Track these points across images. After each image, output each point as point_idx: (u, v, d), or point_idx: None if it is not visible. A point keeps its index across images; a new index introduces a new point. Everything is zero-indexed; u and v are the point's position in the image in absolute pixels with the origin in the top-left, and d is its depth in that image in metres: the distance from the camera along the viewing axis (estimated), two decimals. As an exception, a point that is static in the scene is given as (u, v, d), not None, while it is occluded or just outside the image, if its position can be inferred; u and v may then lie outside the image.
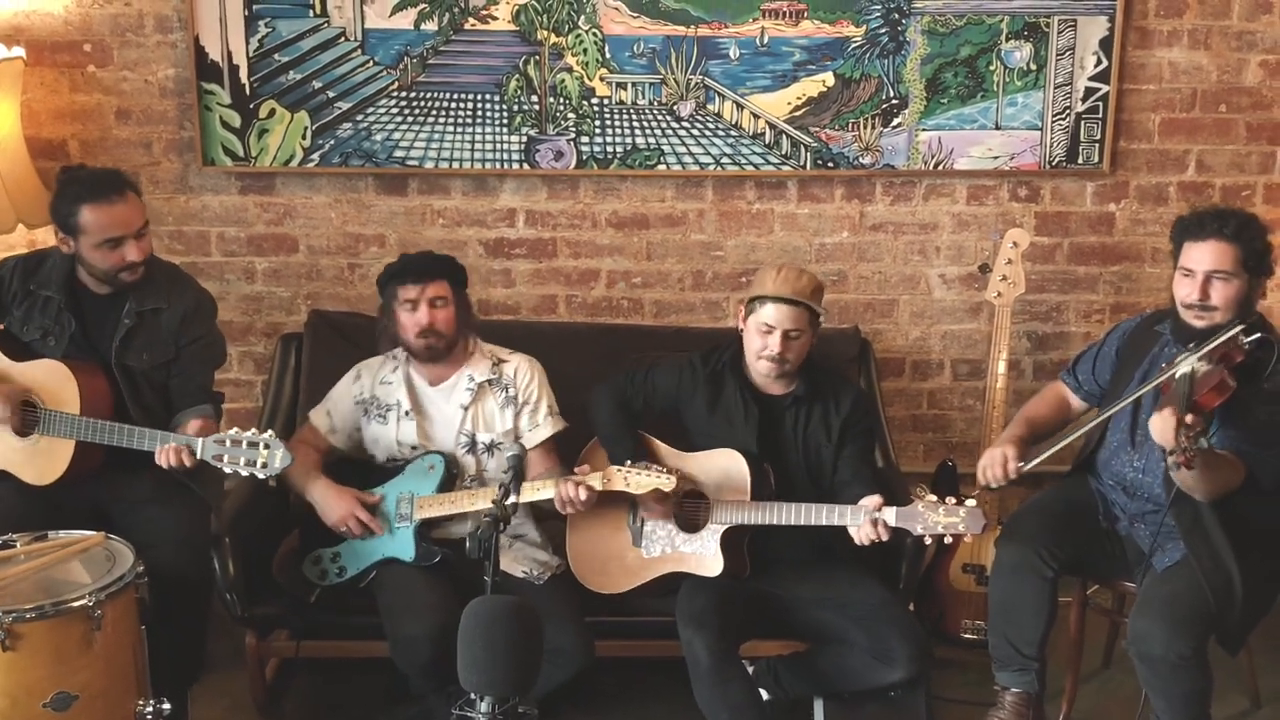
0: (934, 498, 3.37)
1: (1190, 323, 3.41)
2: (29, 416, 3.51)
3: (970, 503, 3.34)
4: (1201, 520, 3.32)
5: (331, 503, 3.64)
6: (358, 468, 3.76)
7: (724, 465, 3.61)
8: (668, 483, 3.45)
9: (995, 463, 3.47)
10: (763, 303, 3.60)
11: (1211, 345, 3.26)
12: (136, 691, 3.15)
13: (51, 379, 3.50)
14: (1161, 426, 3.11)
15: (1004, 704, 3.63)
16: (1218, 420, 3.29)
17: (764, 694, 3.67)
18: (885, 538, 3.35)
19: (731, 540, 3.57)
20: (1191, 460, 3.02)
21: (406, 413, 3.73)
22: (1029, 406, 3.79)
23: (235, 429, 3.35)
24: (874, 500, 3.38)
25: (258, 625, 3.78)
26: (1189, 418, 3.06)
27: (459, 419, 3.73)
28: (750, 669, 3.63)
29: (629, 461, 3.51)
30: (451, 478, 3.66)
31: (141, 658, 3.18)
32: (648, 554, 3.66)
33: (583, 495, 3.46)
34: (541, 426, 3.77)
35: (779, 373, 3.63)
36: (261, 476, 3.33)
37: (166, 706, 3.19)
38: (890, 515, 3.36)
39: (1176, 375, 3.27)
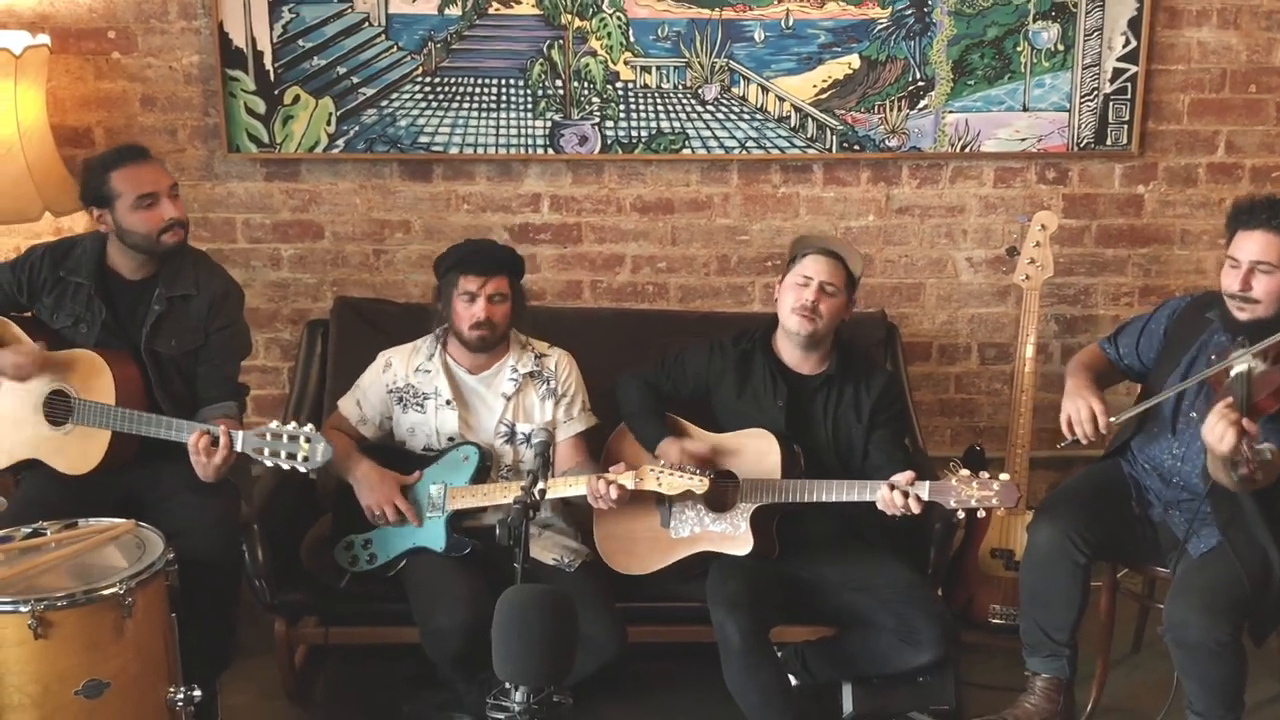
0: (967, 472, 3.35)
1: (1234, 314, 3.38)
2: (61, 406, 3.52)
3: (1004, 476, 3.32)
4: (1241, 511, 3.30)
5: (373, 485, 3.65)
6: (390, 456, 3.75)
7: (755, 445, 3.60)
8: (700, 484, 3.45)
9: (1084, 419, 3.41)
10: (803, 255, 3.63)
11: (1270, 342, 3.20)
12: (167, 679, 3.16)
13: (85, 369, 3.51)
14: (1220, 432, 3.06)
15: (1034, 689, 3.63)
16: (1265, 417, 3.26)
17: (792, 679, 3.66)
18: (916, 510, 3.33)
19: (761, 520, 3.57)
20: (1256, 472, 2.99)
21: (447, 401, 3.72)
22: (1083, 358, 3.73)
23: (275, 422, 3.33)
24: (907, 475, 3.36)
25: (287, 612, 3.79)
26: (1252, 426, 3.03)
27: (500, 408, 3.73)
28: (778, 654, 3.63)
29: (662, 462, 3.52)
30: (485, 469, 3.65)
31: (172, 645, 3.18)
32: (676, 534, 3.66)
33: (614, 494, 3.46)
34: (575, 420, 3.78)
35: (810, 328, 3.60)
36: (302, 470, 3.32)
37: (197, 693, 3.19)
38: (924, 489, 3.34)
39: (1232, 372, 3.20)
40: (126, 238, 3.53)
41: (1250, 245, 3.34)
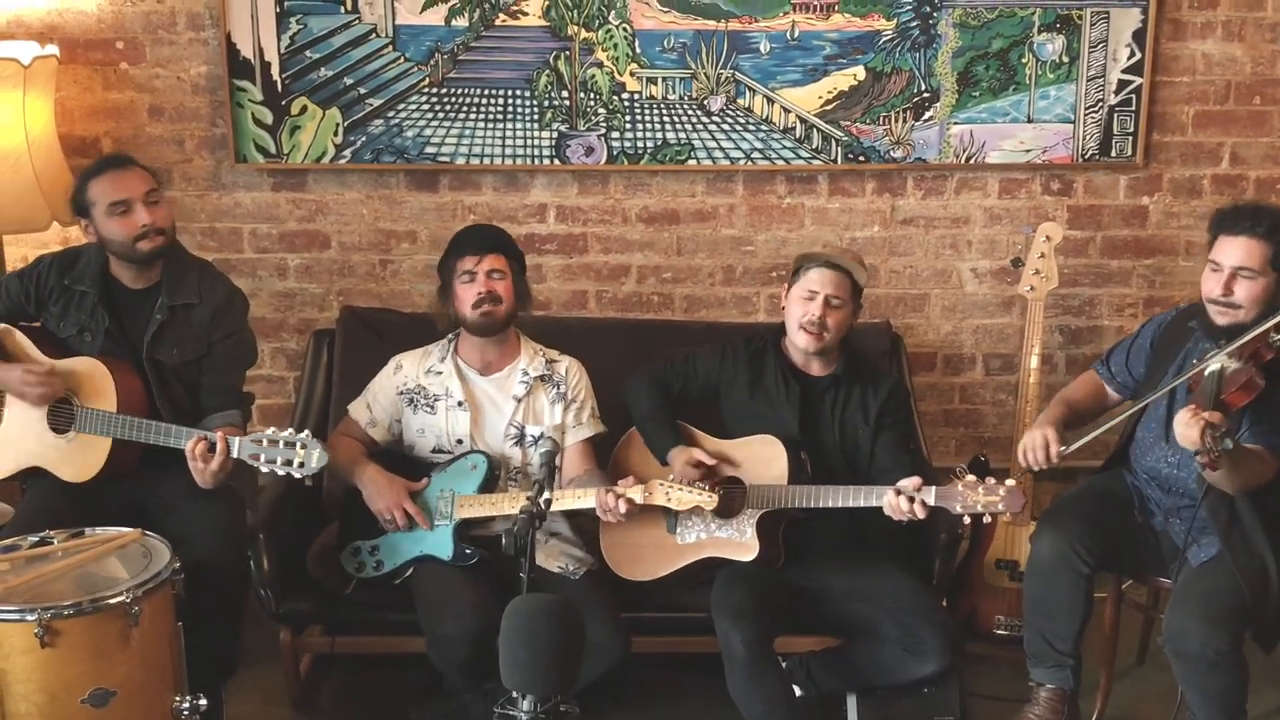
0: (973, 478, 3.36)
1: (1214, 319, 3.40)
2: (64, 414, 3.53)
3: (1010, 482, 3.33)
4: (1239, 518, 3.31)
5: (381, 488, 3.66)
6: (397, 463, 3.76)
7: (762, 452, 3.61)
8: (709, 501, 3.46)
9: (1037, 446, 3.46)
10: (808, 269, 3.65)
11: (1242, 341, 3.25)
12: (173, 687, 3.16)
13: (88, 376, 3.52)
14: (1185, 427, 3.11)
15: (1039, 700, 3.62)
16: (1249, 416, 3.28)
17: (796, 690, 3.66)
18: (921, 515, 3.34)
19: (767, 526, 3.57)
20: (1216, 461, 3.02)
21: (459, 403, 3.74)
22: (1068, 390, 3.78)
23: (272, 428, 3.35)
24: (913, 481, 3.37)
25: (292, 621, 3.79)
26: (1215, 417, 3.06)
27: (511, 410, 3.75)
28: (783, 664, 3.63)
29: (671, 476, 3.53)
30: (494, 478, 3.66)
31: (178, 653, 3.19)
32: (682, 540, 3.66)
33: (623, 508, 3.46)
34: (584, 426, 3.79)
35: (817, 345, 3.63)
36: (298, 476, 3.32)
37: (203, 702, 3.19)
38: (930, 494, 3.34)
39: (1206, 372, 3.26)
40: (108, 245, 3.55)
41: (1233, 250, 3.36)
